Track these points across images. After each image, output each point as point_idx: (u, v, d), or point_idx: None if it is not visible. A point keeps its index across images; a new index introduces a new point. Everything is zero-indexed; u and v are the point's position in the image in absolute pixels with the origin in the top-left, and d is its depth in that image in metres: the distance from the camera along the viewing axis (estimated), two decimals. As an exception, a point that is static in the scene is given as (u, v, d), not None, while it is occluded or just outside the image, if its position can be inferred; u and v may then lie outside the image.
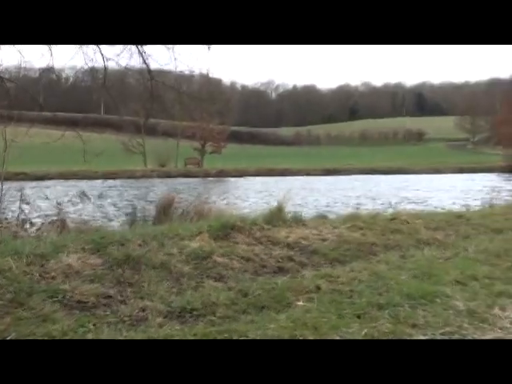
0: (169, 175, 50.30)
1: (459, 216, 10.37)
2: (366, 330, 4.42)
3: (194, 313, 5.00)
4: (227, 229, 7.86)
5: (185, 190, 26.18)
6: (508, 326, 4.73)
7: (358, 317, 4.78)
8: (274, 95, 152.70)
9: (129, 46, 8.68)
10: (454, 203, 19.61)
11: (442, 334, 4.40)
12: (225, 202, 22.03)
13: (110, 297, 5.34)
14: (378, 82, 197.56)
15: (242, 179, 47.11)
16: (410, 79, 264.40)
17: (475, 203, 16.46)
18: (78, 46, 7.77)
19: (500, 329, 4.63)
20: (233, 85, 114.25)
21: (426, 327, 4.57)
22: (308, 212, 13.53)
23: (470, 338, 4.33)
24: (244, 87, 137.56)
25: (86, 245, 6.51)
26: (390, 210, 12.57)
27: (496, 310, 5.01)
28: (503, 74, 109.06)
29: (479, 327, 4.64)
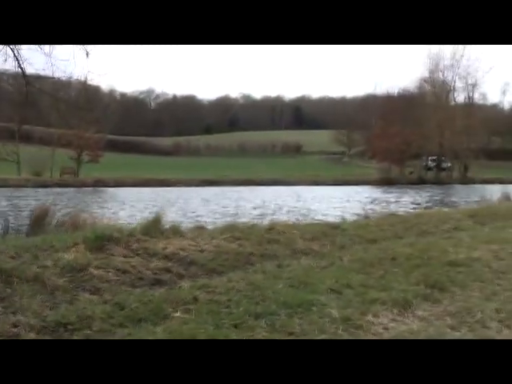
0: (44, 184, 48.69)
1: (335, 227, 10.61)
2: (243, 340, 4.39)
3: (69, 327, 4.80)
4: (103, 240, 7.67)
5: (60, 200, 25.41)
6: (381, 331, 4.87)
7: (235, 326, 4.75)
8: (153, 104, 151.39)
9: (3, 49, 8.31)
10: (330, 214, 20.10)
11: (317, 341, 4.44)
12: (101, 212, 21.55)
13: (-21, 312, 5.05)
14: (257, 94, 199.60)
15: (119, 189, 46.30)
16: (290, 93, 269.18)
17: (351, 214, 16.95)
18: None
19: (373, 334, 4.76)
20: (111, 92, 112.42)
21: (302, 335, 4.60)
22: (186, 222, 13.45)
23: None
24: (123, 95, 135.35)
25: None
26: (269, 220, 12.70)
27: (369, 317, 5.14)
28: (378, 90, 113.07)
29: (353, 333, 4.74)
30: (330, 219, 14.73)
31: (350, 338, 4.61)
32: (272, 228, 10.01)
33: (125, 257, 7.33)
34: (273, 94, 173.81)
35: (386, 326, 5.03)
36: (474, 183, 64.98)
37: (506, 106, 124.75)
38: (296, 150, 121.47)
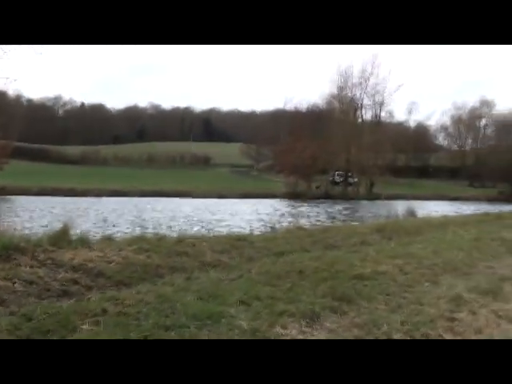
0: None
1: (243, 239, 10.64)
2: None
3: (-27, 339, 4.61)
4: (9, 250, 7.41)
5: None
6: (289, 342, 4.91)
7: (145, 339, 4.69)
8: (61, 112, 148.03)
9: None
10: (238, 226, 20.17)
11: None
12: (6, 221, 20.86)
13: None
14: (167, 105, 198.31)
15: (24, 198, 44.93)
16: (200, 104, 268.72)
17: (258, 227, 17.07)
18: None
19: (282, 346, 4.78)
20: (18, 98, 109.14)
21: (211, 347, 4.59)
22: (93, 233, 13.19)
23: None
24: (30, 101, 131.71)
25: None
26: (178, 231, 12.62)
27: (278, 329, 5.19)
28: (288, 105, 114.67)
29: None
30: (238, 231, 14.79)
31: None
32: (181, 240, 9.95)
33: (31, 267, 7.10)
34: (182, 105, 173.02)
35: (295, 337, 5.08)
36: (380, 199, 66.68)
37: (412, 124, 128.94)
38: (205, 162, 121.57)
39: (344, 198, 68.84)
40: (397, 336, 5.26)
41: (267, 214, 29.83)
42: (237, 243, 10.24)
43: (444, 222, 15.23)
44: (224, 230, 17.05)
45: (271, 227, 13.67)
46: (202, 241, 10.08)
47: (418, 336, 5.32)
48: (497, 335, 5.80)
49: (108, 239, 10.18)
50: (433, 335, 5.43)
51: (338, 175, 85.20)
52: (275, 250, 9.59)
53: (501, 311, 6.66)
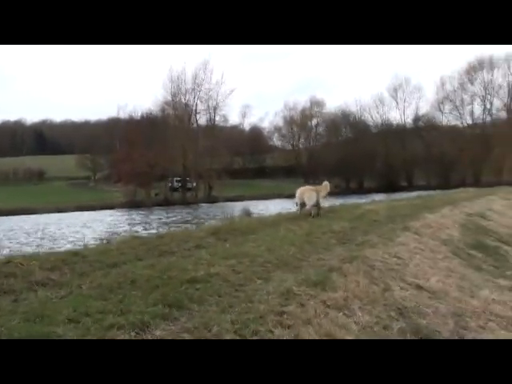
0: None
1: (76, 254, 10.33)
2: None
3: None
4: None
5: None
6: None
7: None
8: None
9: None
10: (72, 240, 19.65)
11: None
12: None
13: None
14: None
15: None
16: (31, 117, 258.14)
17: (94, 239, 16.69)
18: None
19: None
20: None
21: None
22: None
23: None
24: None
25: None
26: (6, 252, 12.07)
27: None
28: (122, 113, 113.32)
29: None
30: (72, 246, 14.41)
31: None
32: (9, 261, 9.48)
33: None
34: (12, 118, 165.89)
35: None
36: (219, 201, 67.57)
37: (247, 127, 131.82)
38: (39, 176, 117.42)
39: (183, 203, 69.10)
40: (228, 336, 5.34)
41: (104, 226, 29.26)
42: (68, 258, 9.90)
43: (278, 220, 15.64)
44: (57, 246, 16.53)
45: (106, 239, 13.35)
46: (31, 260, 9.66)
47: (247, 333, 5.43)
48: (325, 323, 6.06)
49: None
50: (263, 331, 5.57)
51: (176, 181, 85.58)
52: (109, 261, 9.38)
53: (329, 301, 6.96)
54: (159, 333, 5.48)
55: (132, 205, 62.51)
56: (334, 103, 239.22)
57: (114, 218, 40.37)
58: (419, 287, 8.68)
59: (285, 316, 6.10)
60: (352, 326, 6.22)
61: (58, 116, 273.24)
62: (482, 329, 7.13)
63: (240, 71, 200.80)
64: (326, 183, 17.57)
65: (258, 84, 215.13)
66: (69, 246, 15.67)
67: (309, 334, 5.59)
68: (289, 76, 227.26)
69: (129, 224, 32.46)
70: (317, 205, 16.98)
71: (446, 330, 6.66)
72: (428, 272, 9.89)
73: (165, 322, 5.82)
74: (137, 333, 5.42)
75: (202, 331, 5.49)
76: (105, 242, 12.18)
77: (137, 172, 70.81)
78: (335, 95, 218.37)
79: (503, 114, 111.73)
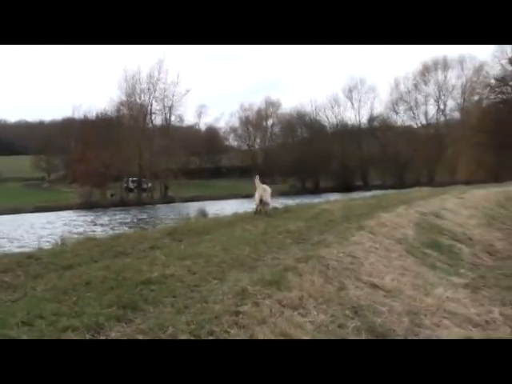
0: None
1: (30, 256, 10.20)
2: None
3: None
4: None
5: None
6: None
7: None
8: None
9: None
10: (27, 242, 19.37)
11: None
12: None
13: None
14: None
15: None
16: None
17: (48, 241, 16.48)
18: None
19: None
20: None
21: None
22: None
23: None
24: None
25: None
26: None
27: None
28: (77, 113, 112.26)
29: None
30: (26, 248, 14.21)
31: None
32: (-40, 265, 9.32)
33: None
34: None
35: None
36: (175, 202, 67.32)
37: (202, 127, 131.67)
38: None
39: (139, 203, 68.70)
40: (183, 336, 5.34)
41: (59, 227, 28.90)
42: (23, 260, 9.77)
43: (234, 220, 15.67)
44: (10, 248, 16.29)
45: (61, 240, 13.20)
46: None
47: (203, 334, 5.43)
48: (280, 323, 6.10)
49: None
50: (218, 331, 5.58)
51: (132, 182, 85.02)
52: (63, 263, 9.28)
53: (284, 300, 7.00)
54: (114, 334, 5.46)
55: (88, 206, 61.91)
56: (289, 104, 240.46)
57: (69, 219, 39.91)
58: (374, 286, 8.77)
59: (240, 316, 6.12)
60: (307, 326, 6.28)
61: (12, 116, 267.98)
62: (436, 326, 7.24)
63: (196, 72, 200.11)
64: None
65: (214, 85, 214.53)
66: (23, 248, 15.43)
67: (264, 333, 5.62)
68: (244, 77, 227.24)
69: (84, 225, 32.13)
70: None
71: (400, 328, 6.76)
72: (383, 271, 10.01)
73: (119, 324, 5.79)
74: (92, 335, 5.39)
75: (157, 332, 5.47)
76: (60, 243, 12.03)
77: (92, 172, 70.16)
78: (291, 96, 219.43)
79: (457, 115, 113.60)
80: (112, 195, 77.75)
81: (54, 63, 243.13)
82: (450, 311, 8.20)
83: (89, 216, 43.81)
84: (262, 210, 16.99)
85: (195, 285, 7.64)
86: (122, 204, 67.61)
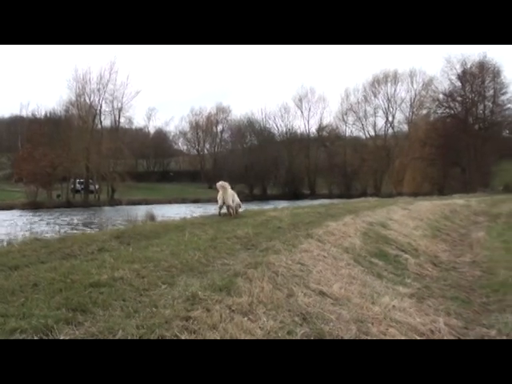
0: None
1: (-27, 256, 10.02)
2: None
3: None
4: None
5: None
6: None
7: None
8: None
9: None
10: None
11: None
12: None
13: None
14: None
15: None
16: None
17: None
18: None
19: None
20: None
21: None
22: None
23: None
24: None
25: None
26: None
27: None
28: (25, 112, 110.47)
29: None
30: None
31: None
32: None
33: None
34: None
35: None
36: (122, 204, 66.73)
37: (152, 130, 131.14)
38: None
39: (85, 205, 67.88)
40: (134, 340, 5.33)
41: (5, 227, 28.34)
42: (-34, 261, 9.61)
43: (182, 224, 15.61)
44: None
45: (7, 241, 12.97)
46: None
47: (153, 338, 5.44)
48: (230, 328, 6.13)
49: None
50: (168, 335, 5.59)
51: (78, 183, 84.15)
52: (10, 264, 9.12)
53: (234, 305, 7.04)
54: (63, 337, 5.40)
55: (33, 206, 60.78)
56: (240, 111, 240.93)
57: (15, 219, 39.19)
58: (322, 293, 8.88)
59: (190, 321, 6.13)
60: (257, 331, 6.31)
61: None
62: (383, 334, 7.36)
63: (147, 76, 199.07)
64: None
65: (166, 89, 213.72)
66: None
67: (215, 339, 5.65)
68: (197, 83, 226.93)
69: (30, 225, 31.56)
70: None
71: (348, 336, 6.85)
72: (331, 279, 10.13)
73: (69, 327, 5.73)
74: (40, 337, 5.33)
75: (107, 336, 5.45)
76: (5, 243, 11.81)
77: (39, 172, 69.05)
78: (242, 104, 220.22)
79: (405, 127, 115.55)
80: (58, 196, 76.63)
81: (1, 61, 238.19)
82: (396, 320, 8.35)
83: (34, 216, 43.07)
84: (228, 212, 17.92)
85: (144, 289, 7.61)
86: (68, 205, 66.69)
